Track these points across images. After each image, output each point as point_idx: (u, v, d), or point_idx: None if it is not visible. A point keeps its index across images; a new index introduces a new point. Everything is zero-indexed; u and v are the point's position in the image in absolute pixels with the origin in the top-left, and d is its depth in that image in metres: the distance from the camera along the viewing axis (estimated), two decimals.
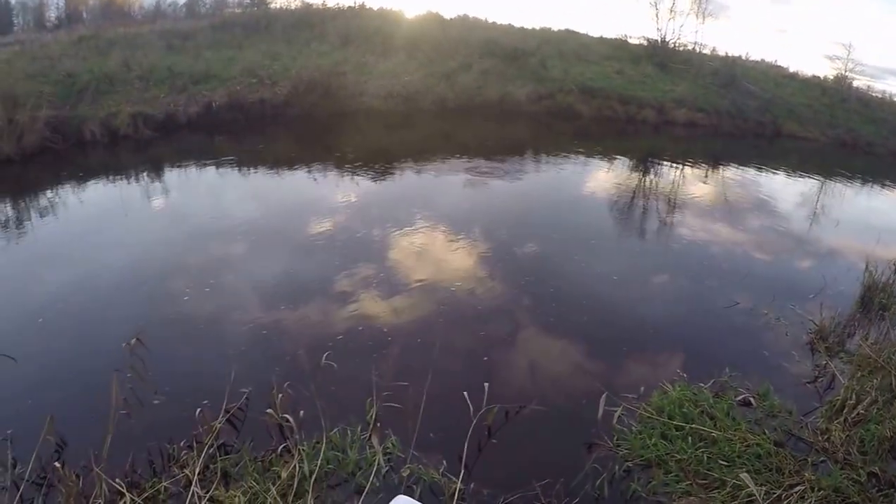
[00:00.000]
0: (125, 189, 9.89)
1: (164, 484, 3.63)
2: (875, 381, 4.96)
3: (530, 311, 6.28)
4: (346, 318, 5.88)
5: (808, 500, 3.67)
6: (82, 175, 10.42)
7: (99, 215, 8.64)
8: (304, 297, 6.22)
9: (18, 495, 3.47)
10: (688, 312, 6.66)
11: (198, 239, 7.77)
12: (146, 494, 3.55)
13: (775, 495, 3.69)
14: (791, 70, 27.93)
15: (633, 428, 4.43)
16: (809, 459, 4.13)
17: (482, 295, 6.52)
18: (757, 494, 3.50)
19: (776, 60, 29.04)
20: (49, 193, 9.57)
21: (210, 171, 11.11)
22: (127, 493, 3.46)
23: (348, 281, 6.62)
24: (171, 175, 10.76)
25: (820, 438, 4.35)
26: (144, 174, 10.63)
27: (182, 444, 3.95)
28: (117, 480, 3.51)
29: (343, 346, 5.30)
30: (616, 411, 4.27)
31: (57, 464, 3.53)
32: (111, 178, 10.43)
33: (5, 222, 8.35)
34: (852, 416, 4.50)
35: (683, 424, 4.37)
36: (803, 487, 3.74)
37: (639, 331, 6.05)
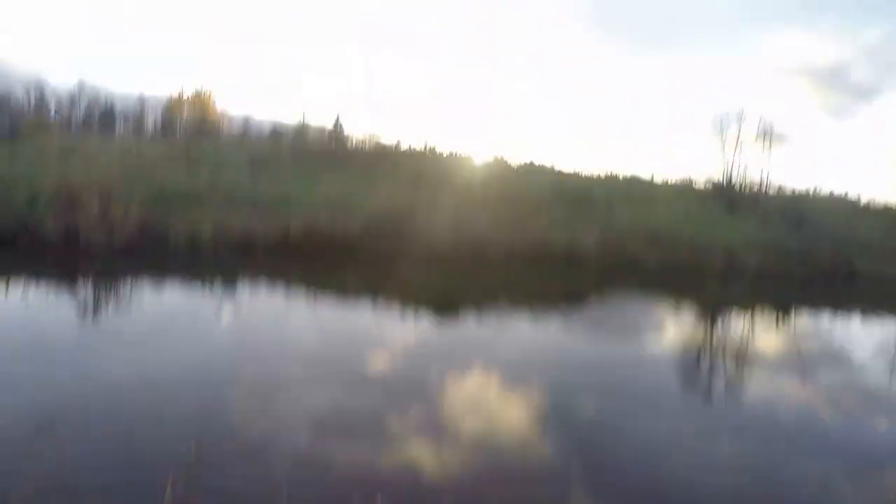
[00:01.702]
0: (198, 297, 10.27)
1: None
2: None
3: (583, 479, 5.92)
4: (397, 461, 5.67)
5: None
6: (161, 276, 10.99)
7: (171, 317, 8.92)
8: (359, 434, 6.07)
9: None
10: (756, 487, 6.14)
11: (258, 358, 7.83)
12: None
13: None
14: (862, 202, 27.07)
15: None
16: None
17: (534, 456, 6.21)
18: None
19: (846, 193, 28.22)
20: (129, 287, 10.07)
21: (278, 296, 11.44)
22: None
23: (400, 423, 6.47)
24: (242, 293, 11.08)
25: None
26: (217, 288, 11.01)
27: None
28: None
29: (393, 489, 5.09)
30: None
31: None
32: (187, 285, 10.86)
33: (86, 306, 8.75)
34: None
35: None
36: None
37: None
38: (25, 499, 3.74)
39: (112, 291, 9.74)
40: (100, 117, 39.81)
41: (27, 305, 8.43)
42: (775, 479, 6.32)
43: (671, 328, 12.11)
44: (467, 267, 16.37)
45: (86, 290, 9.71)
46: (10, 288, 8.95)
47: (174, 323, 8.74)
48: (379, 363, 8.33)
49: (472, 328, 11.14)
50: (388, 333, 9.85)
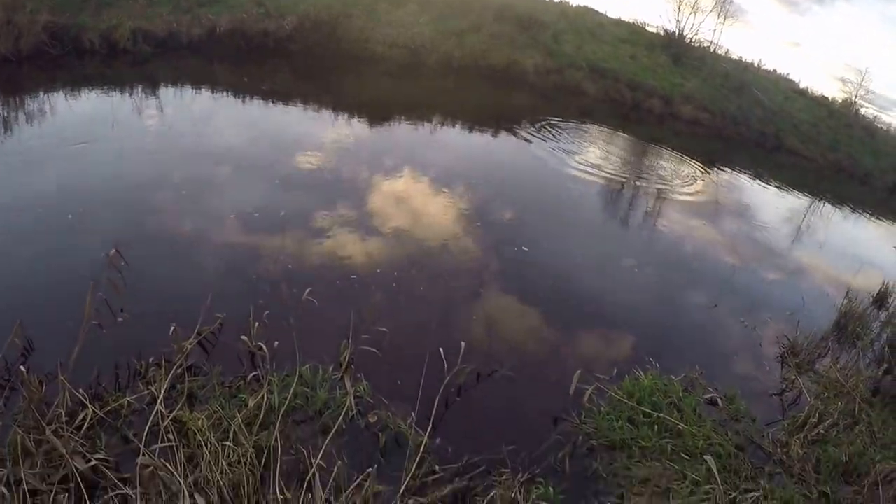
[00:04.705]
0: (117, 101, 9.57)
1: (128, 399, 3.56)
2: (839, 404, 5.08)
3: (507, 276, 6.29)
4: (328, 256, 5.84)
5: None
6: (76, 82, 10.14)
7: (88, 123, 8.33)
8: (289, 230, 6.15)
9: None
10: (668, 306, 6.70)
11: (185, 159, 7.60)
12: (109, 408, 3.48)
13: (731, 497, 3.73)
14: (801, 86, 27.12)
15: (602, 408, 4.45)
16: (766, 469, 4.20)
17: (460, 253, 6.55)
18: (719, 485, 3.57)
19: (788, 74, 28.22)
20: (41, 96, 9.27)
21: (205, 95, 10.83)
22: (90, 405, 3.39)
23: (331, 220, 6.59)
24: (166, 93, 10.40)
25: (779, 450, 4.42)
26: (139, 89, 10.27)
27: (150, 361, 3.89)
28: (81, 391, 3.45)
29: (322, 284, 5.24)
30: (588, 389, 4.27)
31: (22, 367, 3.45)
32: (105, 88, 10.10)
33: None
34: (812, 434, 4.57)
35: (651, 412, 4.41)
36: (758, 494, 3.80)
37: (618, 315, 6.07)
38: None
39: (22, 101, 8.98)
40: None
41: None
42: (669, 301, 6.80)
43: (600, 155, 12.12)
44: (403, 73, 15.69)
45: None
46: None
47: (92, 129, 8.13)
48: (307, 163, 8.20)
49: (403, 133, 11.02)
50: (316, 134, 9.60)
